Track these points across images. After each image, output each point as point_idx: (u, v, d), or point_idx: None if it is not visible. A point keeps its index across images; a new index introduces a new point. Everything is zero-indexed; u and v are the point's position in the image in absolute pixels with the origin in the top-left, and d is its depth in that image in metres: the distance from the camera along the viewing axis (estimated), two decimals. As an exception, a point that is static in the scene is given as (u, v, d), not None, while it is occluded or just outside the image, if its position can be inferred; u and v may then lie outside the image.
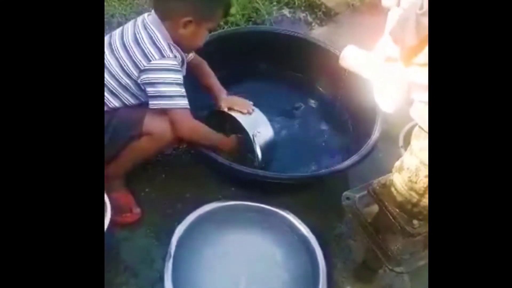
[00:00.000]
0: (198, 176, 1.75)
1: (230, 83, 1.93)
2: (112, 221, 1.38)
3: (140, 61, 1.46)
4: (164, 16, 1.49)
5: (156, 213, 1.64)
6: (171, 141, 1.58)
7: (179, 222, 1.49)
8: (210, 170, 1.74)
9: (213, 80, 1.79)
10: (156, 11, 1.51)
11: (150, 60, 1.46)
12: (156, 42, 1.47)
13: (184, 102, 1.50)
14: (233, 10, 2.33)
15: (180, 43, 1.53)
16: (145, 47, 1.46)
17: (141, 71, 1.47)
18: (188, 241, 1.46)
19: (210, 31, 1.60)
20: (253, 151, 1.69)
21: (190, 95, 1.53)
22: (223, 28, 2.25)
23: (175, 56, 1.51)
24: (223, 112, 1.72)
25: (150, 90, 1.48)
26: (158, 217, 1.63)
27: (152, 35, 1.48)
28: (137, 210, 1.62)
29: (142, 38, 1.47)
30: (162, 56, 1.46)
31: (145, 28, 1.49)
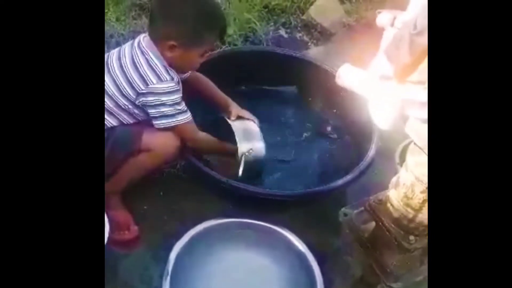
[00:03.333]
0: (196, 194, 1.75)
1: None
2: (110, 239, 1.39)
3: (138, 84, 1.48)
4: (153, 38, 1.52)
5: (154, 231, 1.64)
6: (170, 157, 1.61)
7: (177, 239, 1.48)
8: (208, 187, 1.74)
9: (216, 91, 1.83)
10: (148, 34, 1.54)
11: (147, 84, 1.48)
12: (153, 66, 1.49)
13: (186, 117, 1.55)
14: (230, 30, 2.36)
15: (172, 66, 1.55)
16: (142, 71, 1.48)
17: (139, 94, 1.49)
18: (186, 258, 1.46)
19: (202, 55, 1.59)
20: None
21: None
22: (221, 48, 2.28)
23: (172, 78, 1.52)
24: (225, 120, 1.77)
25: (151, 111, 1.51)
26: (156, 235, 1.63)
27: (148, 58, 1.50)
28: (134, 227, 1.63)
29: (140, 62, 1.49)
30: (160, 80, 1.48)
31: (142, 51, 1.51)
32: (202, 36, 1.53)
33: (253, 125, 1.79)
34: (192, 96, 1.71)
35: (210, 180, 1.64)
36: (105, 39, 2.23)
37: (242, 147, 1.70)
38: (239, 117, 1.78)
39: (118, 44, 2.19)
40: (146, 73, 1.48)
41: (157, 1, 1.63)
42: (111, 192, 1.59)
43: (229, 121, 1.76)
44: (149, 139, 1.53)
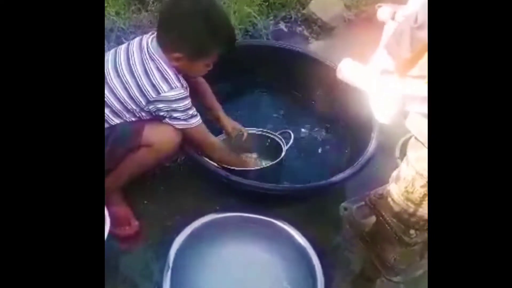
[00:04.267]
0: (197, 188, 1.76)
1: (228, 96, 1.96)
2: (111, 234, 1.39)
3: (150, 93, 1.47)
4: (160, 45, 1.51)
5: (155, 225, 1.65)
6: (170, 152, 1.60)
7: (177, 234, 1.49)
8: (208, 182, 1.75)
9: (214, 101, 1.83)
10: (156, 38, 1.52)
11: (159, 93, 1.47)
12: (164, 74, 1.48)
13: (196, 120, 1.56)
14: (230, 24, 2.36)
15: (178, 72, 1.54)
16: (154, 79, 1.47)
17: (149, 101, 1.48)
18: (186, 253, 1.47)
19: (209, 65, 1.58)
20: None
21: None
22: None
23: (182, 85, 1.52)
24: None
25: (163, 114, 1.51)
26: (156, 229, 1.64)
27: (159, 66, 1.49)
28: (135, 222, 1.63)
29: (151, 70, 1.48)
30: (171, 87, 1.48)
31: (152, 58, 1.49)
32: (207, 50, 1.52)
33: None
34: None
35: (210, 175, 1.64)
36: (105, 33, 2.22)
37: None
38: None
39: (118, 38, 2.20)
40: (158, 81, 1.47)
41: (165, 10, 1.60)
42: (112, 188, 1.59)
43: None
44: (149, 134, 1.52)
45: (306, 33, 2.59)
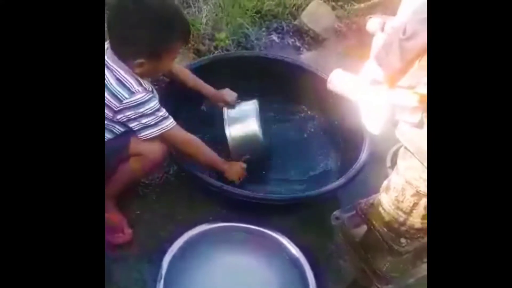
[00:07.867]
0: (189, 198, 1.76)
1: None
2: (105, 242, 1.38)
3: (112, 102, 1.47)
4: (119, 57, 1.49)
5: (147, 235, 1.65)
6: (159, 160, 1.61)
7: (170, 243, 1.49)
8: (201, 191, 1.75)
9: (199, 81, 1.86)
10: (111, 49, 1.50)
11: (121, 101, 1.46)
12: (123, 81, 1.47)
13: (169, 122, 1.54)
14: (222, 35, 2.37)
15: (144, 77, 1.54)
16: (113, 88, 1.46)
17: (116, 112, 1.48)
18: (179, 263, 1.47)
19: (174, 58, 1.60)
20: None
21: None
22: (213, 53, 2.29)
23: (145, 89, 1.51)
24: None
25: (133, 125, 1.51)
26: (149, 239, 1.63)
27: (116, 75, 1.47)
28: (128, 230, 1.63)
29: (109, 80, 1.46)
30: (131, 93, 1.47)
31: (109, 69, 1.48)
32: (166, 46, 1.51)
33: (249, 106, 1.87)
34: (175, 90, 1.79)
35: (203, 185, 1.64)
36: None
37: (230, 130, 1.81)
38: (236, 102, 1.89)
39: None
40: (117, 89, 1.46)
41: (111, 20, 1.49)
42: (106, 197, 1.59)
43: (224, 108, 1.87)
44: (136, 145, 1.54)
45: (298, 44, 2.61)
